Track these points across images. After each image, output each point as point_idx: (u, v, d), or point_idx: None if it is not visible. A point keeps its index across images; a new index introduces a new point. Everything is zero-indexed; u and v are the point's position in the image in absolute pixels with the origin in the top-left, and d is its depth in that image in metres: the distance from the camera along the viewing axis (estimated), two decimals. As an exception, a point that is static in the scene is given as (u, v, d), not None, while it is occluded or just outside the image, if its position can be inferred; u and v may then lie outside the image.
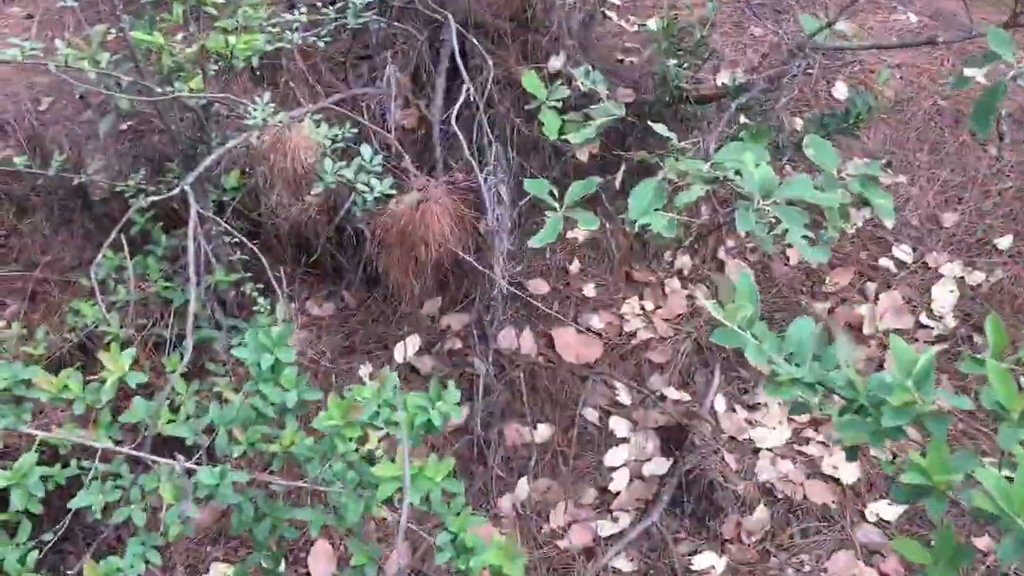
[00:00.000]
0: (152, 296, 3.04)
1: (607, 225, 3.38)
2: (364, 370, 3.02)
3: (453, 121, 2.45)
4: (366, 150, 2.40)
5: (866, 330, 3.21)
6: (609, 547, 2.79)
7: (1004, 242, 3.40)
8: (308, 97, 3.40)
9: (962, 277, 3.32)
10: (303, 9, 2.83)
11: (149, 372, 3.00)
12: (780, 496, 2.89)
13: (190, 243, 2.20)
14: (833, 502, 2.87)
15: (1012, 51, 2.08)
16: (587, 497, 2.93)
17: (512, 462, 2.99)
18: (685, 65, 3.06)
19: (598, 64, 3.25)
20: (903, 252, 3.40)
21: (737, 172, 2.13)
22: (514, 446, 3.00)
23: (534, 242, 2.20)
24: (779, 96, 2.74)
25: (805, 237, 2.07)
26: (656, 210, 2.24)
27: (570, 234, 3.38)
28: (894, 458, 2.71)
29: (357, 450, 1.85)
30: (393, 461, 1.76)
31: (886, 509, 2.85)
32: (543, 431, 3.05)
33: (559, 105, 2.77)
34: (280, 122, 2.45)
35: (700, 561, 2.77)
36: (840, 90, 3.71)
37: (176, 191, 2.32)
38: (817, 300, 3.31)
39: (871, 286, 3.31)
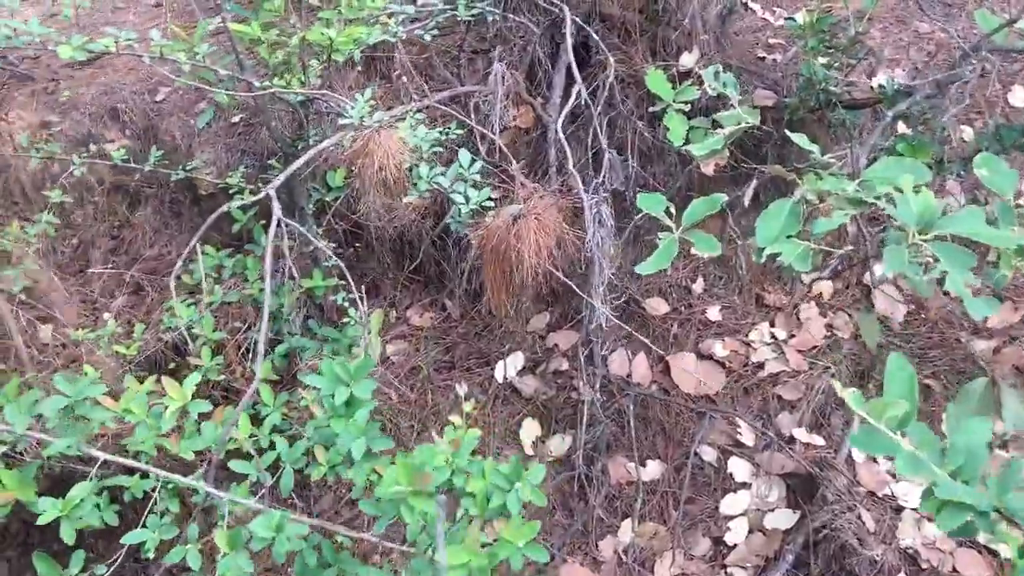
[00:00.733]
0: (248, 298, 2.93)
1: (737, 240, 3.05)
2: (461, 390, 2.80)
3: (558, 125, 2.18)
4: (464, 155, 2.17)
5: (1040, 376, 2.76)
6: (721, 607, 2.49)
7: None
8: (419, 92, 3.22)
9: None
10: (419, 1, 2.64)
11: (241, 378, 2.91)
12: (925, 566, 2.49)
13: (268, 248, 2.03)
14: (989, 578, 2.46)
15: None
16: (699, 547, 2.62)
17: (616, 501, 2.71)
18: (835, 65, 2.69)
19: (735, 62, 2.92)
20: (1088, 286, 2.92)
21: (889, 198, 1.78)
22: (619, 484, 2.72)
23: (643, 268, 1.91)
24: (946, 105, 2.33)
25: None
26: (789, 237, 1.90)
27: (694, 249, 3.06)
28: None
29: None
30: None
31: (1055, 592, 2.42)
32: (652, 469, 2.75)
33: (687, 108, 2.46)
34: (378, 122, 2.26)
35: (826, 634, 2.43)
36: (1019, 96, 3.22)
37: (262, 195, 2.15)
38: (979, 338, 2.88)
39: (1047, 324, 2.85)
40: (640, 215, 2.37)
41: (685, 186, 2.81)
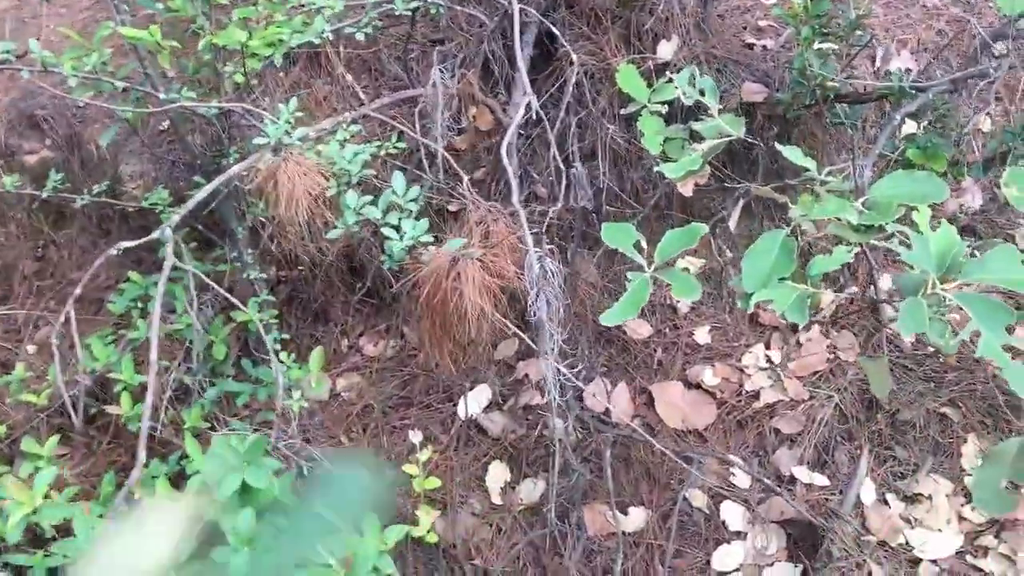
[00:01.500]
0: (176, 332, 2.60)
1: (727, 253, 2.71)
2: (415, 437, 2.47)
3: (504, 148, 1.83)
4: (399, 180, 1.83)
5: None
6: None
7: None
8: (367, 92, 2.86)
9: None
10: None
11: (168, 426, 2.58)
12: (947, 628, 2.19)
13: (159, 289, 1.70)
14: (1020, 642, 2.16)
15: None
16: (688, 609, 2.32)
17: (595, 556, 2.39)
18: (833, 52, 2.33)
19: (720, 51, 2.57)
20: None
21: (903, 238, 1.45)
22: (597, 536, 2.41)
23: (608, 319, 1.58)
24: (965, 103, 1.98)
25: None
26: (782, 279, 1.57)
27: (680, 263, 2.72)
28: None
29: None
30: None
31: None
32: (635, 517, 2.44)
33: (664, 109, 2.12)
34: (300, 140, 1.91)
35: None
36: (1043, 80, 2.87)
37: (156, 234, 1.81)
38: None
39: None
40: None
41: (665, 197, 2.46)
